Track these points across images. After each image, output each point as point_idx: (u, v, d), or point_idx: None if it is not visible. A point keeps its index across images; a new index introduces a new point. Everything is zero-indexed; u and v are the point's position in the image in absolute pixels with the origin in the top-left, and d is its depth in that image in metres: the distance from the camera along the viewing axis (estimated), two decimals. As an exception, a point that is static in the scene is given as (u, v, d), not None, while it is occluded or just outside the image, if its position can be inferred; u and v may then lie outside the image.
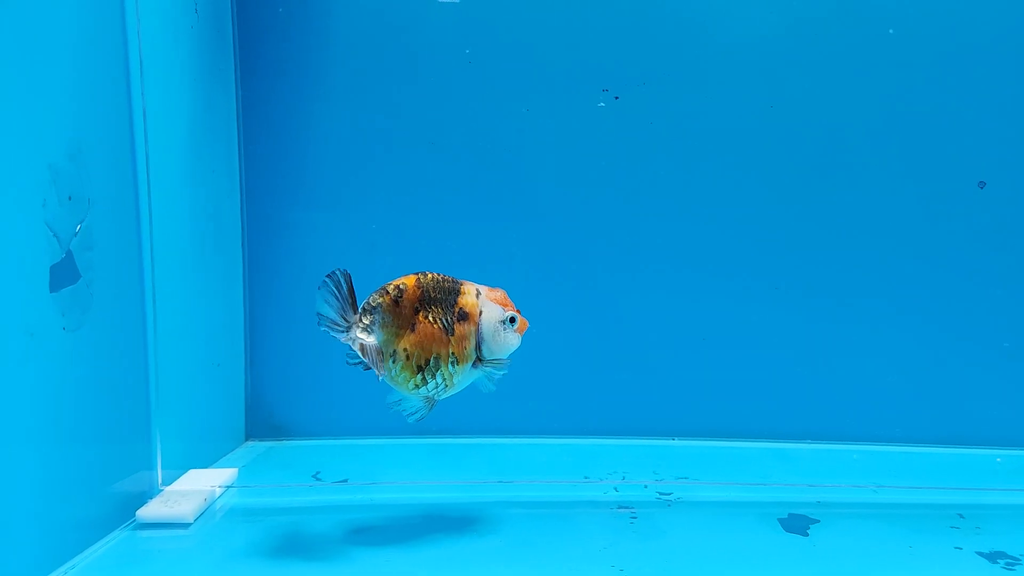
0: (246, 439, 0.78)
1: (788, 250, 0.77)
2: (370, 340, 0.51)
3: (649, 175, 0.78)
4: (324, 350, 0.80)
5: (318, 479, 0.67)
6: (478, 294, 0.55)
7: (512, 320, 0.54)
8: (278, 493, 0.65)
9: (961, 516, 0.60)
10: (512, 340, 0.54)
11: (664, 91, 0.76)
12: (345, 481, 0.67)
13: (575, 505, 0.62)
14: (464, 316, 0.53)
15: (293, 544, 0.55)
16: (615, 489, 0.65)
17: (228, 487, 0.64)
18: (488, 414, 0.78)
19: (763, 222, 0.77)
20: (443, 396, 0.55)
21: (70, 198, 0.51)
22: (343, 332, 0.52)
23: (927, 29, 0.75)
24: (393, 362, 0.52)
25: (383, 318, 0.52)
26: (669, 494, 0.64)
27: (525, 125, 0.77)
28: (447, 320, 0.53)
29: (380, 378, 0.53)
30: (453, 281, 0.54)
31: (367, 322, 0.52)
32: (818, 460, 0.73)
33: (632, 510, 0.61)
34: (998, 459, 0.73)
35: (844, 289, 0.77)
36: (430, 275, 0.54)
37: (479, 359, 0.54)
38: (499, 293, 0.55)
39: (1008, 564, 0.51)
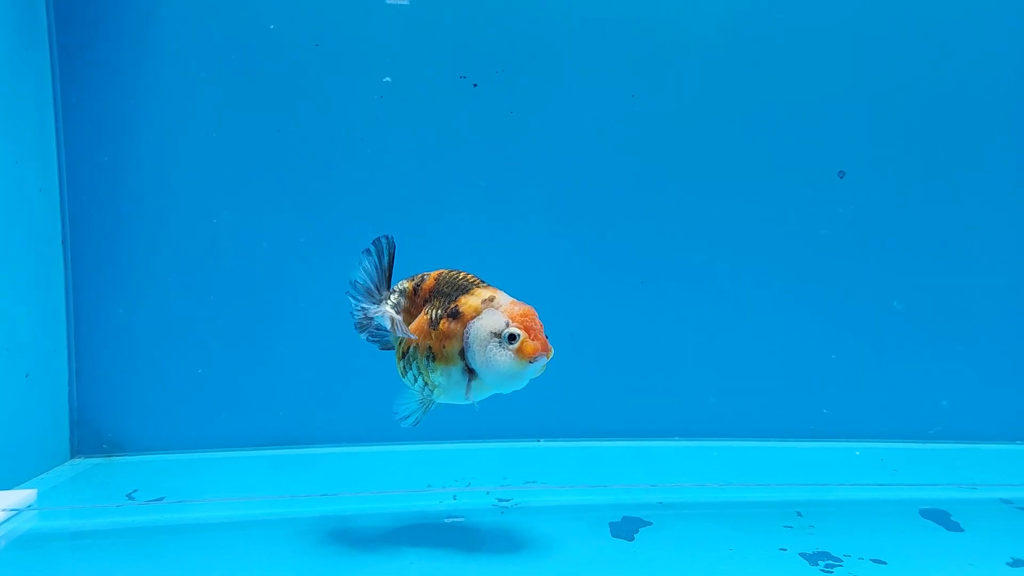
0: (72, 456, 0.72)
1: (655, 244, 0.75)
2: (397, 317, 0.52)
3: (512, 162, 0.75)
4: (161, 360, 0.75)
5: (131, 498, 0.62)
6: (490, 300, 0.49)
7: (512, 338, 0.47)
8: (78, 515, 0.59)
9: (799, 514, 0.57)
10: (502, 359, 0.47)
11: (522, 78, 0.74)
12: (161, 499, 0.62)
13: (401, 516, 0.58)
14: (456, 315, 0.49)
15: (74, 571, 0.50)
16: (453, 497, 0.62)
17: (18, 511, 0.58)
18: (336, 422, 0.74)
19: (629, 215, 0.75)
20: (435, 398, 0.52)
21: None
22: (373, 304, 0.52)
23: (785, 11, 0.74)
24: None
25: (400, 301, 0.52)
26: (508, 501, 0.61)
27: (380, 113, 0.73)
28: (437, 314, 0.49)
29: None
30: (473, 282, 0.51)
31: (394, 300, 0.52)
32: (674, 458, 0.71)
33: (461, 518, 0.57)
34: (857, 452, 0.72)
35: (699, 287, 0.75)
36: (455, 272, 0.52)
37: (469, 369, 0.49)
38: (520, 309, 0.48)
39: (828, 566, 0.49)
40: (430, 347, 0.50)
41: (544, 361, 0.48)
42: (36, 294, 0.68)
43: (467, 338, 0.48)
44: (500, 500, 0.61)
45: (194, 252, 0.72)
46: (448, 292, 0.50)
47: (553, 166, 0.75)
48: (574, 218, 0.75)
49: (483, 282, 0.51)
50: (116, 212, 0.72)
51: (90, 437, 0.73)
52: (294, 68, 0.72)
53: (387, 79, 0.70)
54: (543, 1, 0.73)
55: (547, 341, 0.48)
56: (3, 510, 0.56)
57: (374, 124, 0.73)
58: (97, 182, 0.72)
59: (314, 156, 0.73)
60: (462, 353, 0.49)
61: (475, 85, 0.75)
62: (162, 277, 0.72)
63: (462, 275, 0.52)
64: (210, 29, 0.71)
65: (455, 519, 0.57)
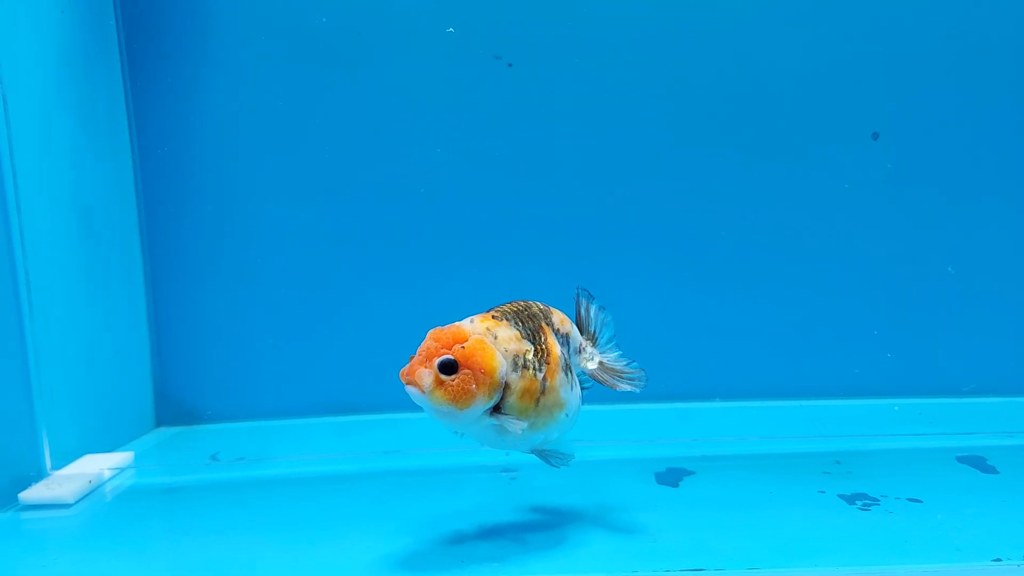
0: (156, 425, 0.79)
1: (693, 216, 0.78)
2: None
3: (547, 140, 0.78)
4: (233, 336, 0.82)
5: (215, 459, 0.68)
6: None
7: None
8: (172, 473, 0.66)
9: (838, 462, 0.60)
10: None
11: (556, 58, 0.77)
12: (241, 459, 0.68)
13: (462, 471, 0.63)
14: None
15: (173, 517, 0.57)
16: (505, 453, 0.66)
17: (120, 470, 0.65)
18: (395, 391, 0.78)
19: (667, 187, 0.77)
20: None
21: (-80, 189, 0.52)
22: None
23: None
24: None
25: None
26: (558, 456, 0.65)
27: (418, 97, 0.77)
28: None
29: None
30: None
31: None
32: (714, 417, 0.74)
33: (514, 472, 0.62)
34: (895, 407, 0.74)
35: (737, 255, 0.77)
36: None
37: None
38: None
39: (865, 504, 0.52)
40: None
41: (415, 393, 0.42)
42: (119, 279, 0.75)
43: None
44: (551, 455, 0.65)
45: (260, 237, 0.78)
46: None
47: (589, 141, 0.77)
48: (613, 191, 0.77)
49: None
50: (186, 201, 0.78)
51: (171, 408, 0.79)
52: (341, 58, 0.76)
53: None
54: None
55: (416, 366, 0.42)
56: (108, 469, 0.63)
57: (411, 107, 0.77)
58: (167, 174, 0.78)
59: (360, 139, 0.77)
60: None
61: (510, 65, 0.78)
62: (231, 262, 0.78)
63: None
64: (262, 22, 0.76)
65: (510, 471, 0.62)
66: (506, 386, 0.43)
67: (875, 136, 0.76)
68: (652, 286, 0.77)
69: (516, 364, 0.43)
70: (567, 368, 0.47)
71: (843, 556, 0.44)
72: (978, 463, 0.59)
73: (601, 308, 0.51)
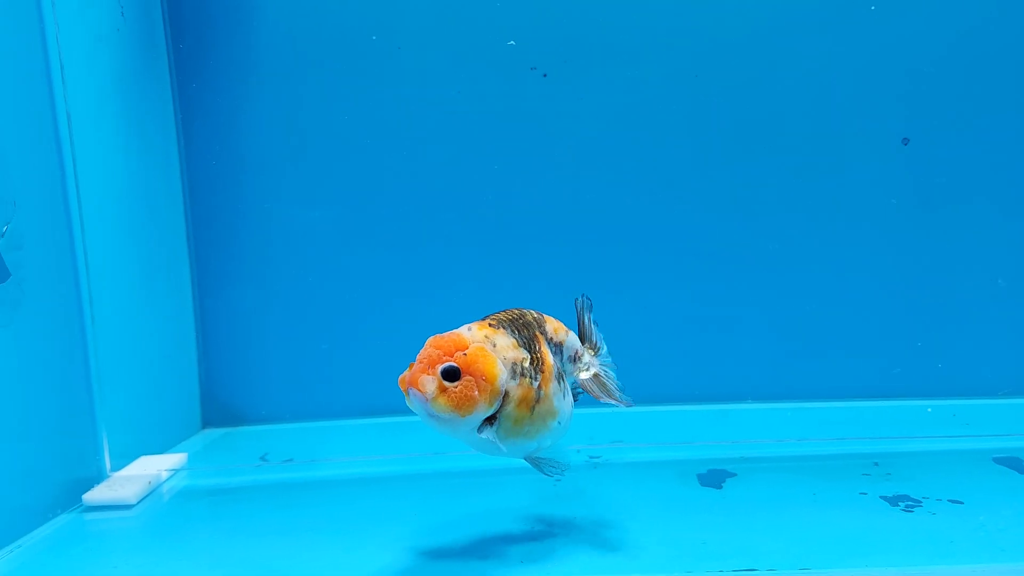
0: (203, 427, 0.81)
1: (726, 217, 0.79)
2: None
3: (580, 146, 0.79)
4: (278, 338, 0.84)
5: (265, 460, 0.70)
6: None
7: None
8: (224, 474, 0.68)
9: (876, 464, 0.62)
10: None
11: (590, 68, 0.78)
12: (290, 460, 0.70)
13: (503, 473, 0.65)
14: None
15: (230, 518, 0.58)
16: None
17: (176, 471, 0.67)
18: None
19: (701, 187, 0.78)
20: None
21: (-7, 201, 0.54)
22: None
23: None
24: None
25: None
26: (598, 457, 0.67)
27: (456, 107, 0.79)
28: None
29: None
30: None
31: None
32: (750, 419, 0.75)
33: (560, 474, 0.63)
34: (928, 409, 0.75)
35: (770, 258, 0.78)
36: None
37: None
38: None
39: (908, 506, 0.53)
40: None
41: (417, 399, 0.41)
42: (169, 284, 0.77)
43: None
44: (591, 456, 0.67)
45: (304, 241, 0.80)
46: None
47: (620, 147, 0.79)
48: (648, 194, 0.79)
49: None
50: (232, 207, 0.80)
51: (217, 410, 0.82)
52: (378, 67, 0.78)
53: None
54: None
55: (418, 373, 0.41)
56: (165, 470, 0.65)
57: (452, 117, 0.79)
58: (214, 182, 0.80)
59: (403, 148, 0.79)
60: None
61: (545, 75, 0.80)
62: (276, 266, 0.80)
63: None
64: (306, 33, 0.78)
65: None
66: (504, 394, 0.43)
67: (905, 141, 0.77)
68: (686, 290, 0.79)
69: (514, 372, 0.43)
70: (560, 377, 0.47)
71: (893, 556, 0.46)
72: (1015, 464, 0.60)
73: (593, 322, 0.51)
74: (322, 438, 0.76)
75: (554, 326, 0.48)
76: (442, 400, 0.41)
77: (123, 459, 0.66)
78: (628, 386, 0.80)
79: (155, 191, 0.75)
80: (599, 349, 0.51)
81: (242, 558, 0.51)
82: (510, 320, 0.45)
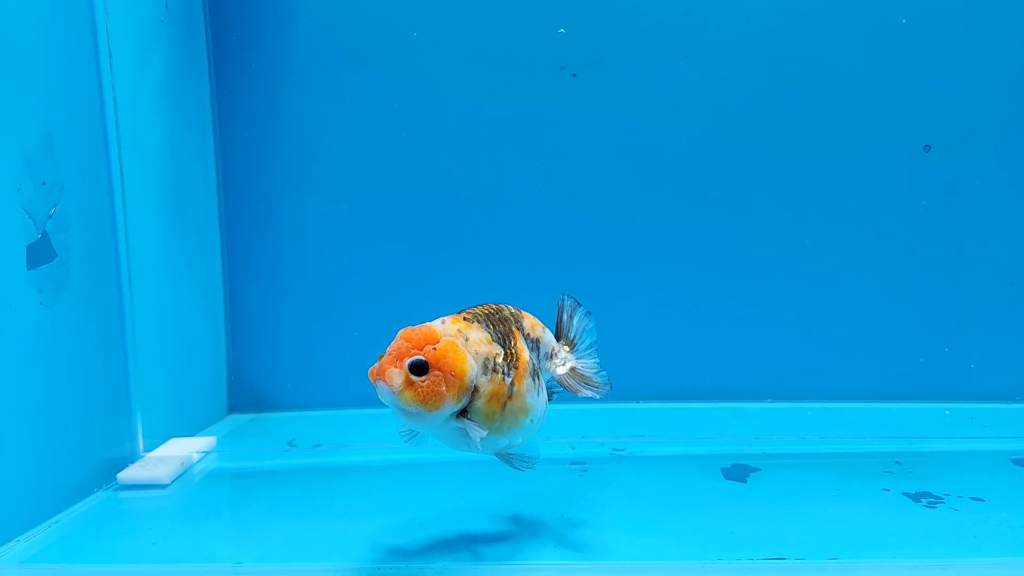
0: (229, 412, 0.83)
1: (747, 220, 0.80)
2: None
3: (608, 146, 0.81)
4: (302, 328, 0.85)
5: (293, 445, 0.72)
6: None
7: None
8: (254, 457, 0.69)
9: (897, 463, 0.63)
10: None
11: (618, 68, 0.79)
12: (318, 446, 0.71)
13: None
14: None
15: (261, 500, 0.60)
16: (572, 447, 0.69)
17: (206, 453, 0.68)
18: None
19: (721, 191, 0.80)
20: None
21: (44, 183, 0.55)
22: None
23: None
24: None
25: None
26: (622, 450, 0.68)
27: (486, 105, 0.80)
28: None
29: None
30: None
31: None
32: (771, 417, 0.76)
33: (584, 465, 0.64)
34: (947, 411, 0.76)
35: (789, 264, 0.79)
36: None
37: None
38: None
39: (930, 503, 0.54)
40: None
41: (384, 392, 0.41)
42: (201, 273, 0.79)
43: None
44: (615, 449, 0.68)
45: (331, 236, 0.81)
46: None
47: (646, 148, 0.80)
48: (670, 197, 0.80)
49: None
50: (263, 199, 0.81)
51: (243, 396, 0.83)
52: (413, 67, 0.79)
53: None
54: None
55: (386, 365, 0.41)
56: (196, 452, 0.67)
57: (479, 115, 0.80)
58: (247, 173, 0.81)
59: (429, 143, 0.80)
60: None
61: (574, 75, 0.81)
62: (304, 259, 0.81)
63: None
64: (342, 32, 0.79)
65: (579, 464, 0.65)
66: (475, 389, 0.42)
67: (927, 148, 0.78)
68: (707, 292, 0.80)
69: (486, 367, 0.43)
70: (535, 374, 0.46)
71: (919, 549, 0.47)
72: (1035, 466, 0.61)
73: (587, 314, 0.50)
74: (348, 425, 0.77)
75: (531, 322, 0.48)
76: (408, 394, 0.41)
77: (155, 440, 0.67)
78: (655, 381, 0.82)
79: (191, 181, 0.76)
80: (575, 344, 0.51)
81: (274, 538, 0.52)
82: (486, 314, 0.45)
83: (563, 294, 0.51)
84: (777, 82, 0.78)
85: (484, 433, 0.43)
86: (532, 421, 0.45)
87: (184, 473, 0.64)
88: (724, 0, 0.78)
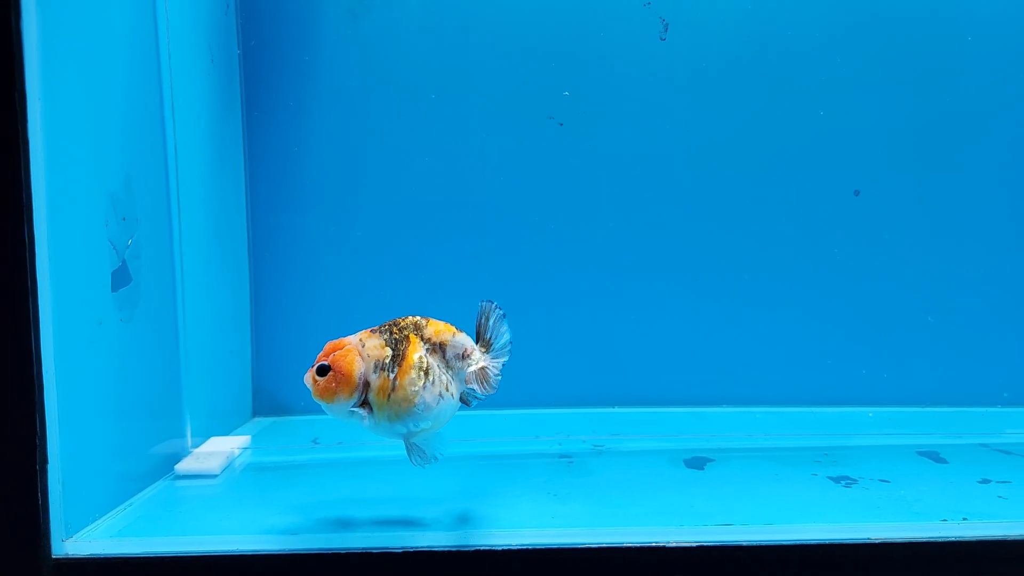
0: (253, 415, 0.93)
1: (705, 248, 0.94)
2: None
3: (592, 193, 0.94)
4: (318, 341, 0.95)
5: (317, 443, 0.82)
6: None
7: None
8: (286, 452, 0.80)
9: (826, 455, 0.77)
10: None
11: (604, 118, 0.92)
12: (341, 443, 0.82)
13: (525, 456, 0.78)
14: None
15: (299, 486, 0.70)
16: (559, 444, 0.81)
17: (244, 448, 0.78)
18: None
19: (689, 222, 0.94)
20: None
21: (124, 219, 0.65)
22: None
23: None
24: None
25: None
26: (601, 446, 0.80)
27: (486, 147, 0.93)
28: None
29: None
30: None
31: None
32: (725, 420, 0.90)
33: (570, 458, 0.77)
34: (870, 414, 0.91)
35: (750, 280, 0.94)
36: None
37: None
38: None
39: (847, 484, 0.68)
40: None
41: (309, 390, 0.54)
42: (233, 291, 0.90)
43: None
44: (596, 445, 0.80)
45: (347, 253, 0.93)
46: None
47: (629, 190, 0.93)
48: (654, 229, 0.93)
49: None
50: (286, 225, 0.93)
51: (265, 401, 0.93)
52: (419, 114, 0.92)
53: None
54: (623, 47, 0.92)
55: (309, 371, 0.54)
56: (237, 448, 0.77)
57: (480, 161, 0.93)
58: (272, 198, 0.93)
59: (436, 181, 0.93)
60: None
61: (561, 124, 0.94)
62: (317, 287, 0.93)
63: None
64: (360, 82, 0.91)
65: (565, 457, 0.77)
66: (368, 384, 0.54)
67: (856, 192, 0.93)
68: (673, 312, 0.93)
69: (377, 367, 0.54)
70: (424, 371, 0.55)
71: (835, 516, 0.60)
72: (932, 456, 0.76)
73: (502, 317, 0.58)
74: (363, 426, 0.88)
75: (436, 329, 0.57)
76: (315, 391, 0.54)
77: (198, 439, 0.77)
78: (628, 389, 0.94)
79: (228, 213, 0.87)
80: (491, 346, 0.58)
81: (318, 515, 0.62)
82: (389, 326, 0.56)
83: (483, 300, 0.58)
84: (759, 103, 0.91)
85: (366, 418, 0.55)
86: (418, 410, 0.55)
87: (229, 465, 0.74)
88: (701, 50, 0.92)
